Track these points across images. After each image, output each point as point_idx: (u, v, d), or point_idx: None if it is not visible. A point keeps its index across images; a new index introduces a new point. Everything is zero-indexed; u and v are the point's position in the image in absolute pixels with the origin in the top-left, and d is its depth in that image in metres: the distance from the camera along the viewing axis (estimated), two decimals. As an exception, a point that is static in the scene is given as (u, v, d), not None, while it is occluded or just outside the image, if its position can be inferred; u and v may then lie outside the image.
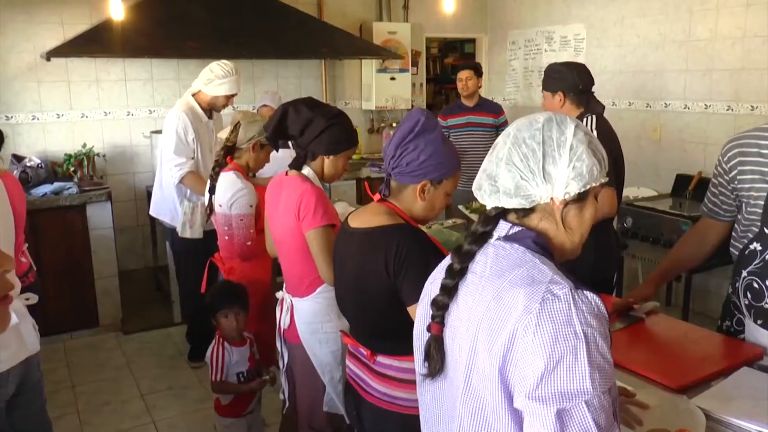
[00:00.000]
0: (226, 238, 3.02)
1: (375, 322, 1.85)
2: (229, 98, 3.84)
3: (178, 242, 3.96)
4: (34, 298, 2.20)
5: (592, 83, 2.94)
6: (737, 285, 2.04)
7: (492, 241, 1.25)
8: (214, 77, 3.73)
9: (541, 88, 3.07)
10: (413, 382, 1.76)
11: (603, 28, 5.35)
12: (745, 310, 2.03)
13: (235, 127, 3.02)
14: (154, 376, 4.00)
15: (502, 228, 1.25)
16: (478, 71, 5.07)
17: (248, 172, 3.10)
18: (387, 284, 1.74)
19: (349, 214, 1.95)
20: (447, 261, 1.33)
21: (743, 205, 2.06)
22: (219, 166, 3.06)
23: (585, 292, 1.11)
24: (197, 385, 3.88)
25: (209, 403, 3.67)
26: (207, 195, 3.14)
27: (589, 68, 5.64)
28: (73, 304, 4.43)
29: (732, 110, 4.45)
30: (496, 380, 1.11)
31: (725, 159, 2.06)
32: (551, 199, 1.22)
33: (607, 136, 2.71)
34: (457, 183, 1.90)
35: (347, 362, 2.05)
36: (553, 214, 1.24)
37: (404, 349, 1.78)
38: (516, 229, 1.24)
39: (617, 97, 5.28)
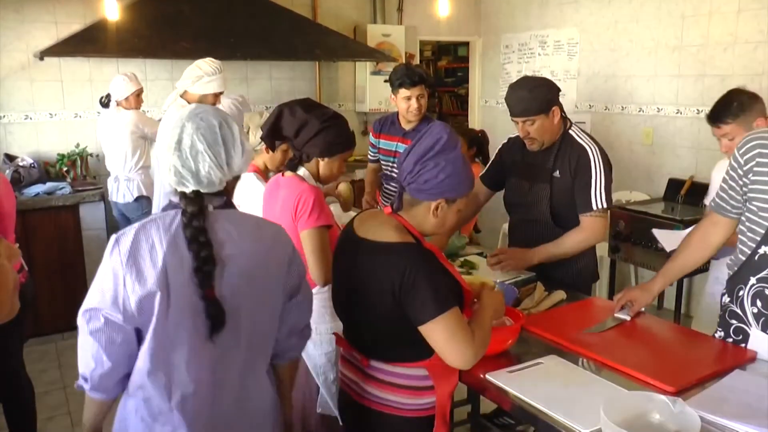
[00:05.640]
0: None
1: (374, 332, 1.84)
2: (217, 96, 3.72)
3: None
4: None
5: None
6: (741, 293, 1.99)
7: None
8: (203, 74, 3.62)
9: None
10: (405, 387, 1.82)
11: (596, 32, 5.38)
12: (752, 319, 1.98)
13: (248, 131, 3.04)
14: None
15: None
16: (429, 84, 3.55)
17: (267, 173, 3.11)
18: (391, 302, 1.72)
19: (354, 217, 1.93)
20: None
21: (749, 202, 1.98)
22: None
23: None
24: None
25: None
26: None
27: (583, 73, 5.68)
28: (66, 305, 4.39)
29: (723, 115, 4.49)
30: None
31: (741, 152, 1.99)
32: None
33: (599, 144, 2.70)
34: (468, 200, 1.89)
35: (339, 366, 2.05)
36: None
37: (399, 356, 1.81)
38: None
39: (610, 101, 5.32)
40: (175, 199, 1.57)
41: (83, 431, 1.68)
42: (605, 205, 2.61)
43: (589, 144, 2.67)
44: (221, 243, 1.53)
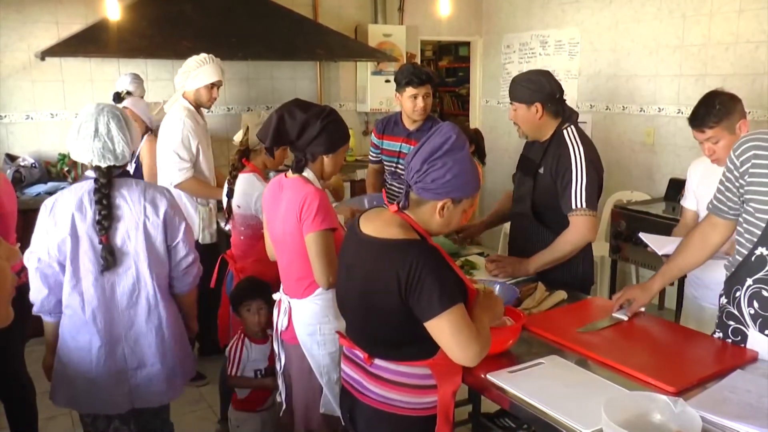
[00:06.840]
0: (242, 238, 3.04)
1: (378, 330, 1.84)
2: (211, 89, 3.67)
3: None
4: None
5: (563, 90, 2.79)
6: (738, 294, 2.00)
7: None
8: (189, 70, 3.62)
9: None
10: (408, 385, 1.83)
11: (597, 32, 5.37)
12: (749, 320, 1.99)
13: (246, 131, 3.05)
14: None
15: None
16: (435, 84, 3.59)
17: (266, 172, 3.12)
18: (397, 300, 1.72)
19: (359, 216, 1.94)
20: None
21: (746, 203, 1.99)
22: (236, 170, 3.09)
23: None
24: (191, 388, 3.86)
25: (202, 404, 3.68)
26: (225, 199, 3.15)
27: (584, 72, 5.66)
28: (66, 305, 4.42)
29: (725, 115, 4.48)
30: None
31: (737, 153, 1.99)
32: None
33: (591, 147, 2.69)
34: (474, 201, 1.90)
35: (342, 365, 2.05)
36: None
37: (403, 355, 1.81)
38: None
39: (611, 101, 5.31)
40: (90, 173, 2.20)
41: (46, 350, 2.36)
42: (584, 205, 2.59)
43: (576, 145, 2.65)
44: (116, 203, 2.18)
